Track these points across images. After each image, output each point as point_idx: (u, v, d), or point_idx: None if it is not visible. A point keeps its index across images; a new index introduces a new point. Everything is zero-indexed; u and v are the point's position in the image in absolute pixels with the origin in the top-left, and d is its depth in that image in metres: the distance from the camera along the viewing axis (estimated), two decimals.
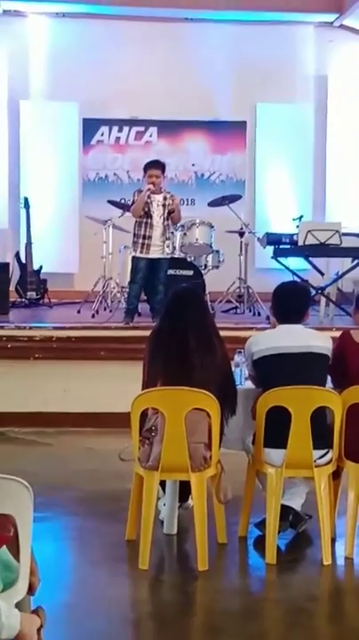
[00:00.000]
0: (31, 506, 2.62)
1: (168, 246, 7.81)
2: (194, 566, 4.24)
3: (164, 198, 7.77)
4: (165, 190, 7.89)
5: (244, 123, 10.92)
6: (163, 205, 7.74)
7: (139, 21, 10.70)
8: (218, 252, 8.91)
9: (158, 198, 7.74)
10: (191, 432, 4.19)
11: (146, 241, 7.71)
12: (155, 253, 7.76)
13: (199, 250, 8.79)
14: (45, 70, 10.79)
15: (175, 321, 4.41)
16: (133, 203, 7.86)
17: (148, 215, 7.70)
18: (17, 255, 9.71)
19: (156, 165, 7.82)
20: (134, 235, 7.81)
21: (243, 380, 4.75)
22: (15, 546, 2.64)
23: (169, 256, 7.94)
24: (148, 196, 7.68)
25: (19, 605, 2.61)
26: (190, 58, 10.75)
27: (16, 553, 2.64)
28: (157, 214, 7.72)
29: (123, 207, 9.04)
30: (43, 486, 4.95)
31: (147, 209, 7.69)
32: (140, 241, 7.73)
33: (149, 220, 7.71)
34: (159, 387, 4.30)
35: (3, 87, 10.69)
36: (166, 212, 7.75)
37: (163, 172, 7.87)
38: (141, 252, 7.75)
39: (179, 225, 8.60)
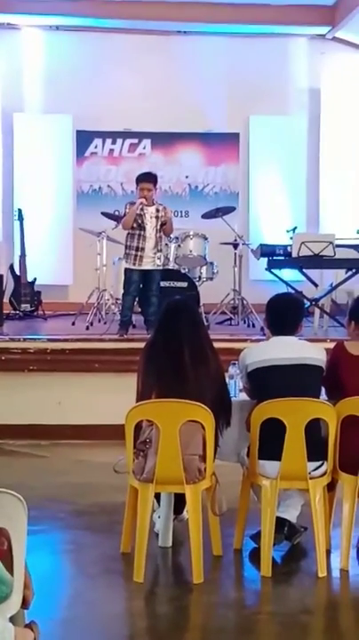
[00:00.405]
0: (25, 519, 2.61)
1: (159, 258, 7.80)
2: (189, 579, 4.23)
3: (157, 210, 7.78)
4: (157, 202, 7.90)
5: (238, 135, 10.95)
6: (156, 217, 7.75)
7: (132, 34, 10.75)
8: (212, 263, 8.93)
9: (151, 210, 7.75)
10: (186, 444, 4.18)
11: (138, 253, 7.72)
12: (147, 265, 7.76)
13: (193, 262, 8.81)
14: (39, 83, 10.81)
15: (169, 333, 4.40)
16: (125, 215, 7.87)
17: (141, 227, 7.70)
18: (11, 267, 9.71)
19: (148, 178, 7.83)
20: (126, 246, 7.81)
21: (238, 391, 4.75)
22: (9, 559, 2.63)
23: (161, 267, 7.93)
24: (141, 208, 7.68)
25: (12, 619, 2.60)
26: (184, 70, 10.78)
27: (10, 567, 2.63)
28: (150, 226, 7.73)
29: (117, 219, 9.05)
30: (37, 499, 4.97)
31: (139, 221, 7.70)
32: (133, 252, 7.73)
33: (142, 232, 7.71)
34: (153, 399, 4.29)
35: None
36: (159, 223, 7.76)
37: (156, 184, 7.88)
38: (134, 264, 7.75)
39: (172, 237, 8.61)
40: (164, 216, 7.76)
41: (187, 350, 4.30)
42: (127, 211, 7.82)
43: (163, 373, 4.34)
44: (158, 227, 7.76)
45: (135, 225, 7.71)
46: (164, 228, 7.81)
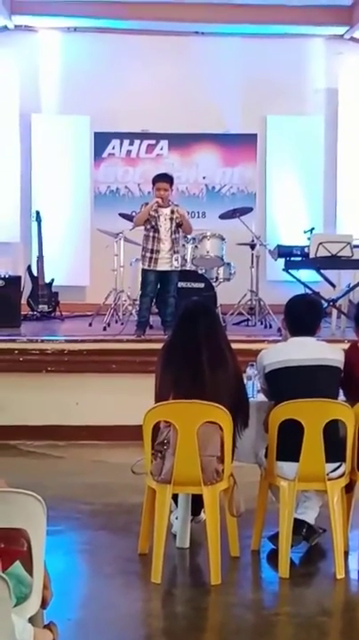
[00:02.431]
0: (44, 520, 2.62)
1: (176, 259, 7.79)
2: (206, 580, 4.23)
3: (172, 212, 7.76)
4: (173, 203, 7.90)
5: (255, 135, 10.93)
6: (171, 219, 7.74)
7: (149, 35, 10.74)
8: (229, 264, 8.92)
9: (165, 212, 7.74)
10: (203, 445, 4.18)
11: (154, 255, 7.71)
12: (163, 266, 7.75)
13: (210, 262, 8.80)
14: (57, 84, 10.84)
15: (186, 334, 4.40)
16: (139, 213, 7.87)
17: (156, 229, 7.70)
18: (29, 268, 9.74)
19: (165, 179, 7.83)
20: (142, 248, 7.81)
21: (256, 392, 4.75)
22: (28, 560, 2.65)
23: (178, 269, 7.93)
24: (155, 210, 7.68)
25: (32, 620, 2.61)
26: (200, 71, 10.78)
27: (29, 567, 2.65)
28: (165, 228, 7.72)
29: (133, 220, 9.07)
30: (55, 500, 4.97)
31: (154, 223, 7.69)
32: (148, 255, 7.73)
33: (157, 235, 7.70)
34: (171, 400, 4.30)
35: (15, 101, 10.74)
36: (174, 225, 7.74)
37: (172, 185, 7.88)
38: (149, 266, 7.75)
39: (190, 237, 8.61)
40: (179, 217, 7.75)
41: (205, 352, 4.30)
42: (142, 209, 7.82)
43: (180, 375, 4.34)
44: (173, 228, 7.75)
45: (149, 227, 7.71)
46: (183, 227, 7.81)
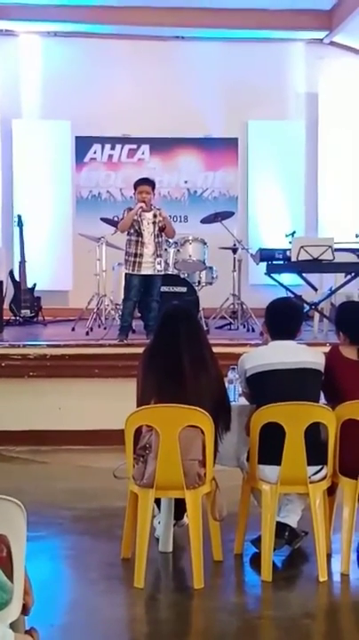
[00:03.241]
0: (24, 525, 2.61)
1: (159, 263, 7.79)
2: (189, 584, 4.22)
3: (154, 216, 7.77)
4: (155, 207, 7.90)
5: (236, 140, 10.97)
6: (154, 223, 7.74)
7: (130, 40, 10.77)
8: (211, 268, 8.94)
9: (148, 216, 7.74)
10: (185, 449, 4.18)
11: (137, 259, 7.70)
12: (146, 270, 7.75)
13: (192, 266, 8.81)
14: (37, 89, 10.83)
15: (167, 339, 4.41)
16: (122, 219, 7.87)
17: (139, 233, 7.69)
18: (11, 273, 9.72)
19: (146, 182, 7.84)
20: (126, 253, 7.80)
21: (237, 396, 4.75)
22: (9, 566, 2.63)
23: (161, 273, 7.93)
24: (139, 214, 7.68)
25: (13, 626, 2.60)
26: (182, 76, 10.80)
27: (10, 573, 2.63)
28: (148, 232, 7.72)
29: (116, 224, 9.06)
30: (37, 505, 4.98)
31: (137, 227, 7.69)
32: (132, 259, 7.72)
33: (140, 239, 7.70)
34: (153, 404, 4.29)
35: None
36: (157, 229, 7.75)
37: (154, 189, 7.89)
38: (133, 270, 7.75)
39: (171, 242, 8.62)
40: (161, 220, 7.75)
41: (187, 356, 4.30)
42: (125, 215, 7.82)
43: (162, 379, 4.33)
44: (156, 232, 7.75)
45: (132, 231, 7.71)
46: (166, 231, 7.81)
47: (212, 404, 4.29)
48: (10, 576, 2.63)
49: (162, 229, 7.77)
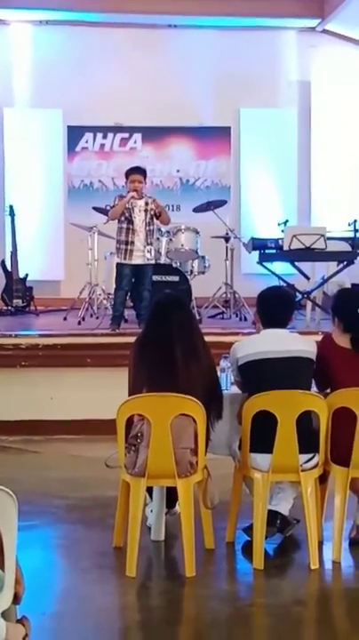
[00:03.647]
0: (15, 514, 2.61)
1: (149, 251, 7.77)
2: (181, 572, 4.23)
3: (146, 203, 7.75)
4: (146, 195, 7.88)
5: (229, 128, 10.95)
6: (145, 210, 7.72)
7: (122, 28, 10.73)
8: (203, 257, 8.93)
9: (140, 204, 7.72)
10: (177, 438, 4.18)
11: (128, 247, 7.69)
12: (138, 259, 7.73)
13: (185, 255, 8.81)
14: (29, 78, 10.79)
15: (159, 328, 4.40)
16: (113, 207, 7.85)
17: (130, 221, 7.68)
18: (2, 263, 9.70)
19: (138, 171, 7.83)
20: (117, 241, 7.79)
21: (229, 384, 4.76)
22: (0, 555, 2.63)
23: (152, 262, 7.92)
24: (130, 202, 7.66)
25: (4, 615, 2.60)
26: (174, 64, 10.77)
27: (0, 562, 2.63)
28: (139, 220, 7.70)
29: (108, 213, 9.04)
30: (29, 494, 4.99)
31: (128, 214, 7.67)
32: (123, 247, 7.71)
33: (131, 226, 7.68)
34: (144, 393, 4.29)
35: None
36: (148, 217, 7.73)
37: (145, 177, 7.87)
38: (124, 259, 7.73)
39: (164, 230, 8.61)
40: (155, 208, 7.74)
41: (178, 344, 4.30)
42: (116, 203, 7.80)
43: (154, 368, 4.33)
44: (147, 220, 7.73)
45: (123, 219, 7.69)
46: (161, 219, 7.79)
47: (204, 393, 4.29)
48: (1, 565, 2.63)
49: (157, 216, 7.75)
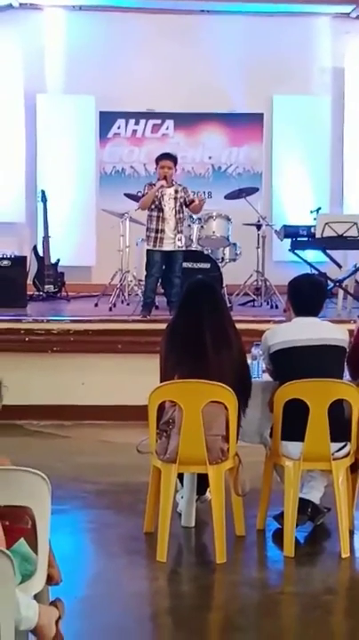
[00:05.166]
0: (49, 498, 2.63)
1: (180, 239, 7.77)
2: (212, 559, 4.25)
3: (176, 191, 7.74)
4: (176, 183, 7.87)
5: (261, 115, 10.87)
6: (175, 198, 7.72)
7: (155, 14, 10.67)
8: (235, 244, 8.90)
9: (169, 191, 7.72)
10: (209, 425, 4.19)
11: (158, 234, 7.69)
12: (168, 246, 7.73)
13: (216, 243, 8.78)
14: (62, 64, 10.78)
15: (189, 314, 4.40)
16: (143, 195, 7.85)
17: (159, 209, 7.68)
18: (34, 249, 9.73)
19: (168, 157, 7.82)
20: (147, 228, 7.80)
21: (261, 372, 4.74)
22: (33, 538, 2.66)
23: (183, 249, 7.91)
24: (160, 190, 7.66)
25: (37, 597, 2.63)
26: (206, 50, 10.70)
27: (34, 545, 2.66)
28: (169, 207, 7.69)
29: (139, 200, 9.04)
30: (60, 479, 5.00)
31: (157, 202, 7.67)
32: (153, 235, 7.71)
33: (161, 214, 7.68)
34: (176, 379, 4.29)
35: (20, 81, 10.69)
36: (178, 204, 7.72)
37: (175, 164, 7.87)
38: (154, 246, 7.74)
39: (195, 217, 8.60)
40: (186, 196, 7.73)
41: (208, 331, 4.29)
42: (146, 191, 7.80)
43: (183, 355, 4.33)
44: (177, 207, 7.73)
45: (153, 207, 7.69)
46: (192, 207, 7.77)
47: (234, 380, 4.28)
48: (34, 548, 2.66)
49: (187, 205, 7.73)
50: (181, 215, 7.80)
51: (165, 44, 10.54)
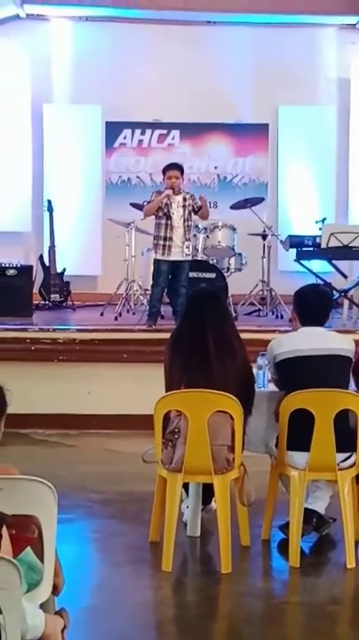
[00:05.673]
0: (55, 507, 2.64)
1: (187, 247, 7.79)
2: (217, 569, 4.25)
3: (184, 199, 7.77)
4: (184, 191, 7.90)
5: (267, 125, 10.90)
6: (183, 206, 7.74)
7: (161, 24, 10.72)
8: (240, 254, 8.92)
9: (178, 199, 7.74)
10: (214, 434, 4.19)
11: (166, 242, 7.71)
12: (176, 255, 7.74)
13: (222, 252, 8.80)
14: (68, 74, 10.83)
15: (193, 322, 4.41)
16: (149, 202, 7.87)
17: (168, 217, 7.70)
18: (40, 258, 9.75)
19: (175, 167, 7.84)
20: (155, 237, 7.82)
21: (267, 382, 4.74)
22: (39, 547, 2.66)
23: (190, 258, 7.93)
24: (167, 197, 7.68)
25: (43, 606, 2.63)
26: (212, 61, 10.74)
27: (40, 554, 2.66)
28: (177, 215, 7.72)
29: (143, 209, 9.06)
30: (66, 488, 5.00)
31: (166, 210, 7.70)
32: (161, 242, 7.73)
33: (169, 222, 7.71)
34: (182, 389, 4.30)
35: (27, 91, 10.73)
36: (186, 212, 7.75)
37: (182, 173, 7.89)
38: (162, 255, 7.75)
39: (201, 227, 8.61)
40: (194, 203, 7.75)
41: (212, 340, 4.30)
42: (152, 198, 7.83)
43: (187, 363, 4.34)
44: (186, 215, 7.75)
45: (162, 214, 7.72)
46: (201, 212, 7.79)
47: (238, 389, 4.28)
48: (40, 557, 2.66)
49: (196, 211, 7.75)
50: (189, 223, 7.82)
51: (171, 54, 10.59)
